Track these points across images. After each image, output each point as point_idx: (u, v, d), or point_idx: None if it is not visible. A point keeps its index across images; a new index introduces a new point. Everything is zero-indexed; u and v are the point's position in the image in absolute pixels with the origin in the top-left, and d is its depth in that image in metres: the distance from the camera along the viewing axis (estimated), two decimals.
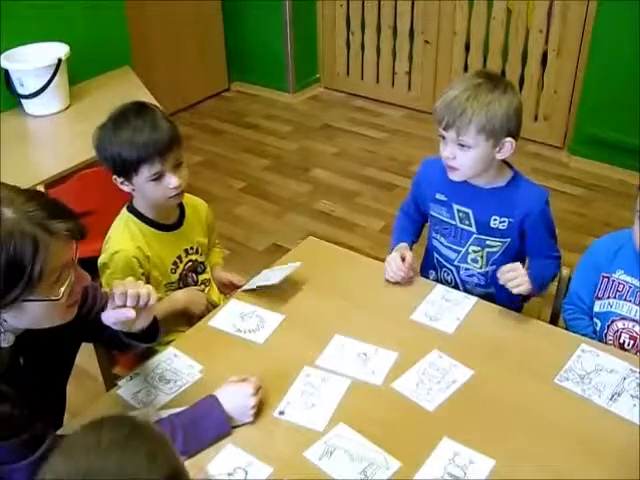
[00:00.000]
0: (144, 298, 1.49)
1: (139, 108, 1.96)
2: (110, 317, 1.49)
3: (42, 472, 1.01)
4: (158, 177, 1.92)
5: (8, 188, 1.32)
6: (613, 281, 1.93)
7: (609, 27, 3.90)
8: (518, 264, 1.92)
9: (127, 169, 1.92)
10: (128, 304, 1.48)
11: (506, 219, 2.02)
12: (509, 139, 1.90)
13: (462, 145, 1.90)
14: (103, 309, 1.64)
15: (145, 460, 0.99)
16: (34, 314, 1.35)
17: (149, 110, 1.95)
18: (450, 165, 1.96)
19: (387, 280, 2.07)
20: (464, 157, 1.92)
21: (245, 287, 2.09)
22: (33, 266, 1.26)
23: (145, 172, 1.91)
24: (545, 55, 4.38)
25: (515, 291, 1.89)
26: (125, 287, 1.48)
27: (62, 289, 1.34)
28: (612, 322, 1.93)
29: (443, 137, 1.93)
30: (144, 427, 1.06)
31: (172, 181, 1.94)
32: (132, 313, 1.49)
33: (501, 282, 1.91)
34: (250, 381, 1.63)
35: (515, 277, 1.89)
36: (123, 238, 2.00)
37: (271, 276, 2.06)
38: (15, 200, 1.28)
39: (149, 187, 1.95)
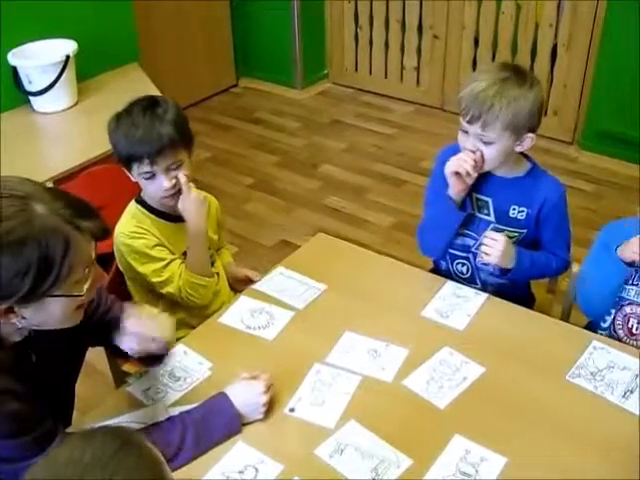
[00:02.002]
0: (159, 349, 1.50)
1: (147, 105, 1.95)
2: (127, 345, 1.50)
3: (25, 474, 1.00)
4: (150, 176, 1.94)
5: (34, 184, 1.34)
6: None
7: (619, 21, 3.88)
8: (504, 239, 1.93)
9: (123, 162, 1.96)
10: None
11: (525, 209, 2.01)
12: (530, 135, 1.91)
13: (484, 140, 1.89)
14: (108, 311, 1.66)
15: None
16: (54, 311, 1.35)
17: (157, 108, 1.94)
18: None
19: (455, 171, 1.94)
20: (487, 152, 1.91)
21: (258, 286, 2.09)
22: (63, 262, 1.28)
23: (135, 169, 1.94)
24: (555, 49, 4.36)
25: (481, 257, 1.96)
26: (139, 333, 1.49)
27: (85, 286, 1.37)
28: (621, 307, 1.92)
29: (464, 130, 1.92)
30: (136, 445, 1.02)
31: (164, 184, 1.95)
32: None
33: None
34: (261, 378, 1.62)
35: (491, 246, 1.93)
36: (130, 224, 2.02)
37: (290, 289, 2.05)
38: (44, 197, 1.30)
39: (143, 184, 1.98)
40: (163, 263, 2.03)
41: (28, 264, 1.25)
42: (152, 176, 1.94)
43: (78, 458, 0.97)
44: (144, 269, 2.02)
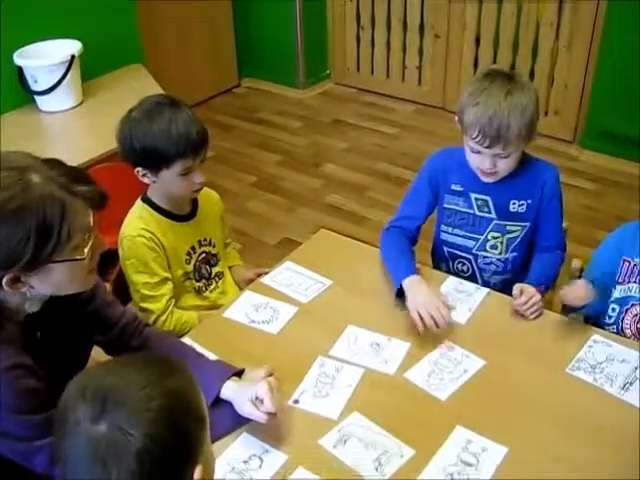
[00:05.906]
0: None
1: (172, 101, 1.95)
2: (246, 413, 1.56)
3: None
4: (187, 172, 1.93)
5: (30, 156, 1.40)
6: (635, 265, 1.93)
7: (620, 21, 3.90)
8: (533, 293, 1.89)
9: (158, 162, 1.91)
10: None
11: (524, 201, 2.04)
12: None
13: (502, 156, 1.91)
14: (104, 304, 1.68)
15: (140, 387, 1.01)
16: (59, 277, 1.40)
17: (182, 105, 1.95)
18: (488, 172, 1.97)
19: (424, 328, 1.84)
20: (505, 164, 1.94)
21: (264, 280, 2.10)
22: (61, 228, 1.33)
23: (177, 167, 1.91)
24: (556, 49, 4.37)
25: (531, 317, 1.89)
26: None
27: (86, 250, 1.41)
28: (631, 306, 1.94)
29: (478, 152, 1.93)
30: (180, 376, 1.09)
31: (199, 177, 1.96)
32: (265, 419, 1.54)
33: (517, 306, 1.89)
34: (262, 369, 1.65)
35: (535, 306, 1.88)
36: (136, 226, 2.01)
37: (295, 284, 2.07)
38: (41, 168, 1.36)
39: (176, 181, 1.94)
40: (156, 279, 2.01)
41: (28, 231, 1.30)
42: (189, 172, 1.93)
43: (122, 363, 1.08)
44: (137, 278, 2.00)
